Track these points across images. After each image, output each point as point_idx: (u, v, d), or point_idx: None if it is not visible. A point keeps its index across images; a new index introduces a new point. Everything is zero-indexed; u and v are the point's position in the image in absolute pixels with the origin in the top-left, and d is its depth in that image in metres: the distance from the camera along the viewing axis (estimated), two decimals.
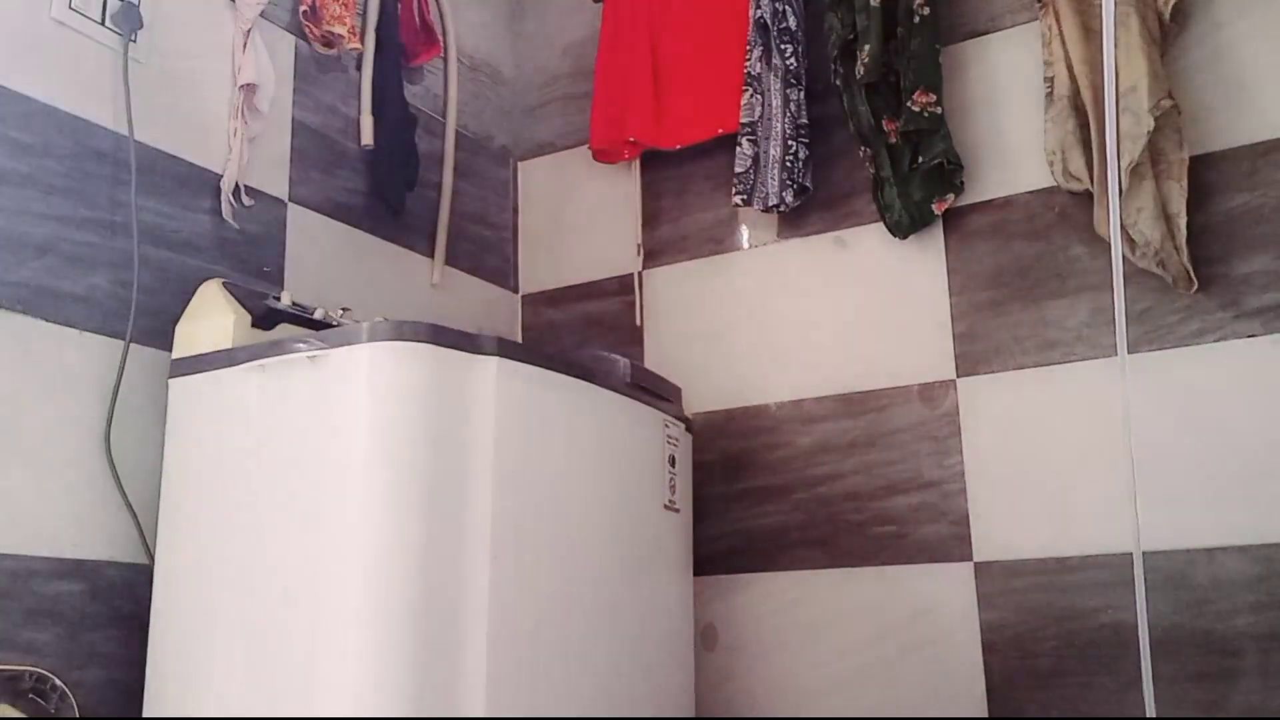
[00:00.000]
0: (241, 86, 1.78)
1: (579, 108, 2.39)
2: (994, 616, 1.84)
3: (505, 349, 1.45)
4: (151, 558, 1.52)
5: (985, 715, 1.81)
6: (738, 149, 2.06)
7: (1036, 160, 1.89)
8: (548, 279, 2.38)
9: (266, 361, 1.43)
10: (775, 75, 2.05)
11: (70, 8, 1.58)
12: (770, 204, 2.03)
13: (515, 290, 2.40)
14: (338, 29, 1.96)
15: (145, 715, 1.45)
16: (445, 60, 2.27)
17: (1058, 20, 1.83)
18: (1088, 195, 1.83)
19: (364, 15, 2.05)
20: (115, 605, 1.52)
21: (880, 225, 2.01)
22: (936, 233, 1.99)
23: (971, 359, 1.93)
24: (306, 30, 1.95)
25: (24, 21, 1.53)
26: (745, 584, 2.05)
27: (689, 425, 1.89)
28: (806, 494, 2.02)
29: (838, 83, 1.99)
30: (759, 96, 2.07)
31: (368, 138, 2.03)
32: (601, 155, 2.29)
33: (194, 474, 1.49)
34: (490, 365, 1.43)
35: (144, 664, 1.47)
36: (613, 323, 2.28)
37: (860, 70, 1.94)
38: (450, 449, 1.38)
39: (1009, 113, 1.97)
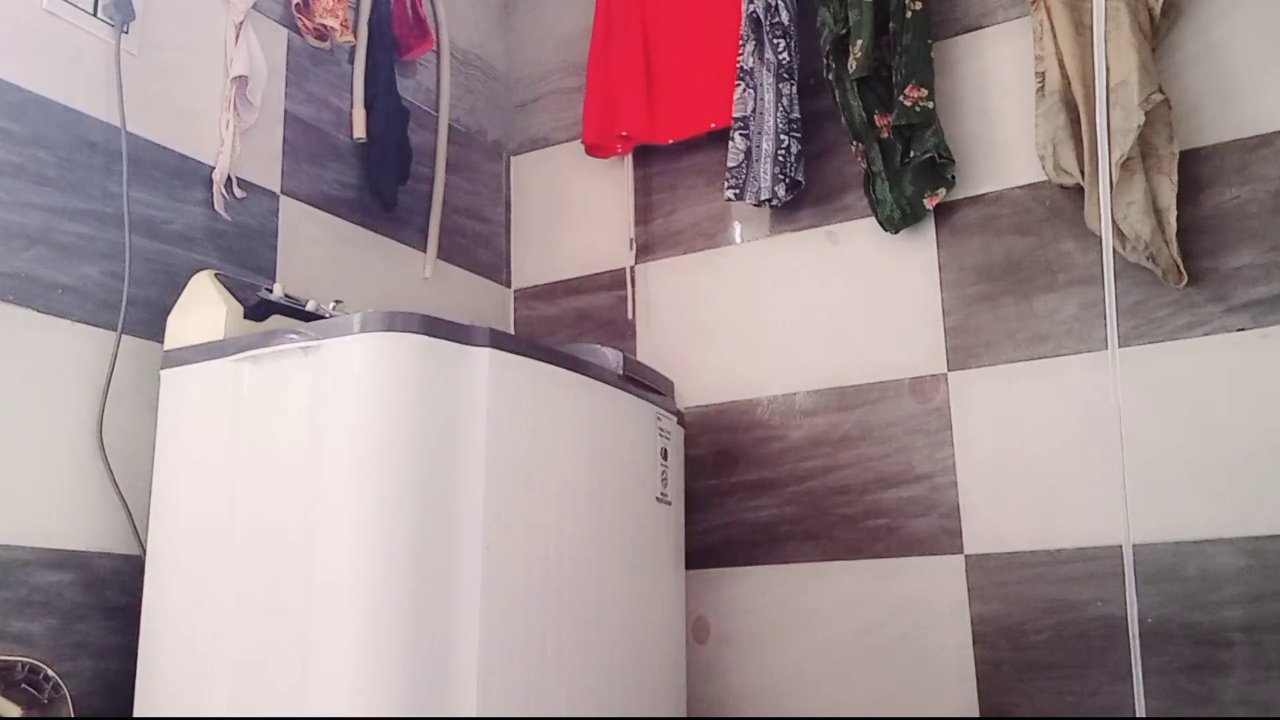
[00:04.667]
0: (233, 79, 1.78)
1: (572, 102, 2.39)
2: (985, 609, 1.84)
3: (497, 340, 1.44)
4: (143, 548, 1.52)
5: (976, 706, 1.82)
6: (730, 143, 2.06)
7: (1028, 155, 1.90)
8: (540, 273, 2.38)
9: (258, 352, 1.43)
10: (768, 70, 2.06)
11: None
12: (762, 198, 2.03)
13: (508, 284, 2.40)
14: (330, 22, 1.96)
15: (137, 705, 1.45)
16: (438, 54, 2.27)
17: (1049, 15, 1.84)
18: (1078, 190, 1.83)
19: (356, 8, 2.05)
20: (107, 596, 1.52)
21: (872, 220, 2.01)
22: (928, 227, 2.00)
23: (963, 353, 1.94)
24: (299, 23, 1.95)
25: (16, 12, 1.53)
26: (737, 577, 2.05)
27: (681, 418, 1.90)
28: (798, 487, 2.02)
29: (830, 77, 1.99)
30: (751, 91, 2.07)
31: (360, 131, 2.03)
32: (594, 149, 2.29)
33: (186, 465, 1.48)
34: (482, 357, 1.43)
35: (135, 655, 1.47)
36: (605, 317, 2.28)
37: (852, 65, 1.94)
38: (442, 441, 1.38)
39: (1000, 107, 1.97)
